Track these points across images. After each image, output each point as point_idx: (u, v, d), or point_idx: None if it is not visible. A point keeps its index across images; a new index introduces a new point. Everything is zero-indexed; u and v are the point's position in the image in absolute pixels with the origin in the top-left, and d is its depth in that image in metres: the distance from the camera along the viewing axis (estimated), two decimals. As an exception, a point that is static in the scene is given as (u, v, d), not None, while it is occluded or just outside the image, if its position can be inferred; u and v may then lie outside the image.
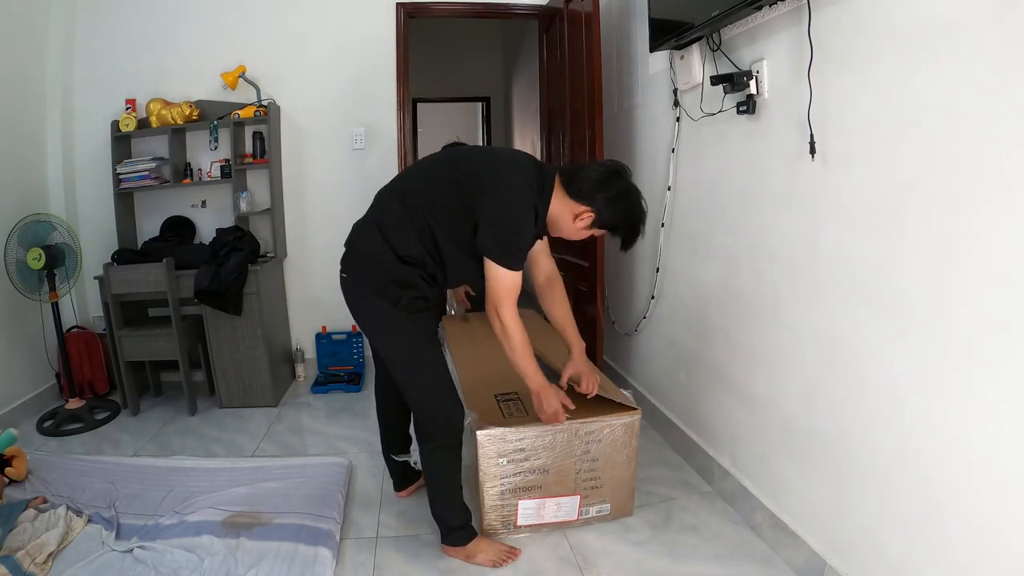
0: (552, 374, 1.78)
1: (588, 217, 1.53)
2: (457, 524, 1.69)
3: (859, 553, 1.41)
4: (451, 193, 1.52)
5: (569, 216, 1.54)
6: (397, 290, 1.53)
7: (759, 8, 1.60)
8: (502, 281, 1.47)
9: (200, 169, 3.19)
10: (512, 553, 1.70)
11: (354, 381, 3.18)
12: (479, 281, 1.54)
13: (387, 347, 1.63)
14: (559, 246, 3.20)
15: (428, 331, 1.63)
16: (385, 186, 1.70)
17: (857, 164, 1.36)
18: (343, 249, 1.71)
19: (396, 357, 1.61)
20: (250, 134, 3.17)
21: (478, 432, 1.70)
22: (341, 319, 3.35)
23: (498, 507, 1.76)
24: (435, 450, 1.65)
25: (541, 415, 1.66)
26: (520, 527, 1.80)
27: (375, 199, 1.68)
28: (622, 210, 1.53)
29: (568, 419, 1.70)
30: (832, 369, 1.48)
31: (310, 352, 3.41)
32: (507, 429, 1.71)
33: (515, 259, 1.48)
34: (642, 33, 2.37)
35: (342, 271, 1.67)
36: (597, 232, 1.59)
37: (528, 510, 1.78)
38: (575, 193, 1.53)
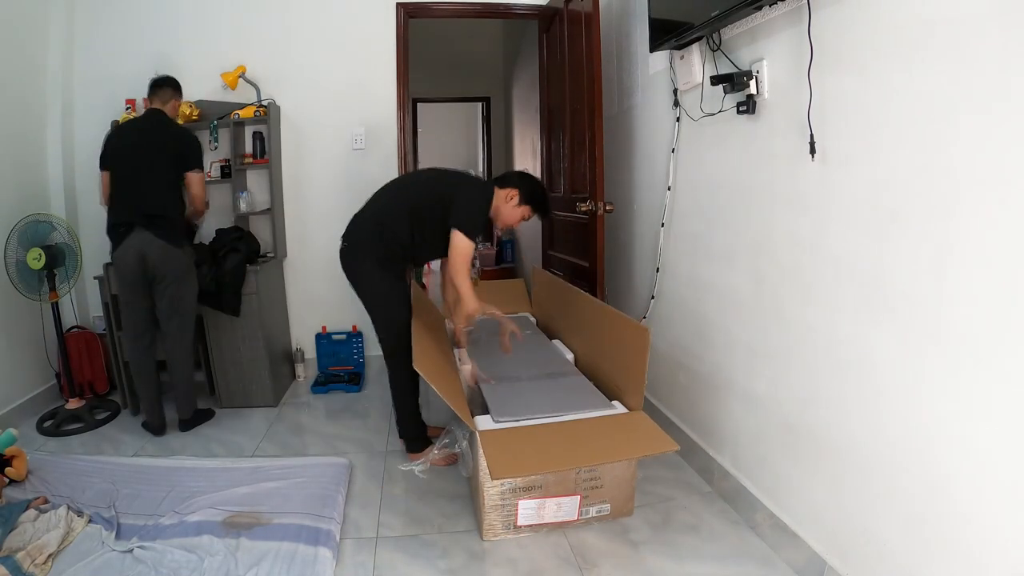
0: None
1: (515, 195, 2.19)
2: (417, 435, 2.29)
3: (859, 553, 1.41)
4: (438, 207, 2.11)
5: (503, 201, 2.20)
6: (387, 258, 2.19)
7: (759, 8, 1.60)
8: (465, 247, 2.05)
9: (200, 169, 3.18)
10: (452, 457, 2.15)
11: (354, 381, 3.18)
12: (444, 255, 2.12)
13: (374, 288, 2.20)
14: (561, 246, 3.21)
15: (404, 289, 2.25)
16: (388, 192, 2.27)
17: (857, 164, 1.36)
18: (344, 246, 2.24)
19: (378, 292, 2.19)
20: (250, 134, 3.17)
21: (480, 431, 1.71)
22: (341, 319, 3.36)
23: (498, 507, 1.76)
24: (397, 366, 2.19)
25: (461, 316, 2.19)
26: (520, 527, 1.80)
27: (379, 197, 2.26)
28: (533, 186, 2.25)
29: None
30: (832, 369, 1.48)
31: (310, 352, 3.41)
32: (509, 428, 1.71)
33: (476, 232, 2.07)
34: (642, 33, 2.37)
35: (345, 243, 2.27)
36: (525, 210, 2.21)
37: (528, 510, 1.78)
38: (503, 184, 2.23)
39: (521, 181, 2.23)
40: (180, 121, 3.00)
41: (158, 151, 2.46)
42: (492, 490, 1.75)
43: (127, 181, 2.46)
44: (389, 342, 2.21)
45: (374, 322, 2.23)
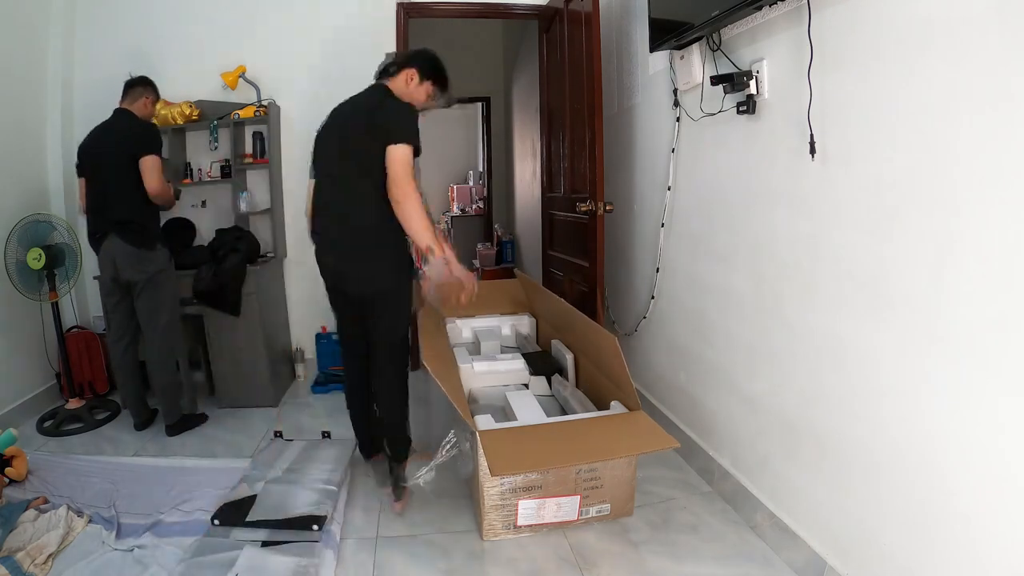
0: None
1: (415, 74, 1.96)
2: (410, 441, 2.12)
3: (859, 553, 1.41)
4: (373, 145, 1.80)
5: (404, 84, 1.95)
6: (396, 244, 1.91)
7: (759, 8, 1.60)
8: (409, 157, 1.79)
9: (200, 169, 3.19)
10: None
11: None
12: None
13: (399, 285, 1.95)
14: (561, 246, 3.21)
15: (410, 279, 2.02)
16: (334, 171, 1.93)
17: (857, 164, 1.36)
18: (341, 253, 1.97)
19: (403, 290, 1.95)
20: (250, 134, 3.17)
21: (480, 430, 1.72)
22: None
23: (498, 507, 1.76)
24: (402, 374, 2.01)
25: (450, 282, 1.85)
26: (520, 527, 1.80)
27: (334, 184, 1.94)
28: (429, 59, 2.00)
29: None
30: (832, 369, 1.48)
31: (310, 352, 3.41)
32: (509, 428, 1.72)
33: (418, 139, 1.83)
34: (642, 33, 2.37)
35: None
36: (427, 87, 1.98)
37: (528, 510, 1.78)
38: (397, 70, 1.97)
39: (415, 58, 1.99)
40: (180, 121, 3.01)
41: (120, 152, 2.43)
42: (492, 490, 1.75)
43: (96, 187, 2.49)
44: (402, 341, 1.99)
45: (387, 322, 1.95)
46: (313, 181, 2.00)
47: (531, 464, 1.66)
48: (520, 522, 1.79)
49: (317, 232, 2.00)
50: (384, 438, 2.10)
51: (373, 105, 1.87)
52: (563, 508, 1.80)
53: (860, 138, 1.34)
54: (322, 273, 2.04)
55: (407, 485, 1.98)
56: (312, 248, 2.05)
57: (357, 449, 2.28)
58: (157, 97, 2.69)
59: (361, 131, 1.83)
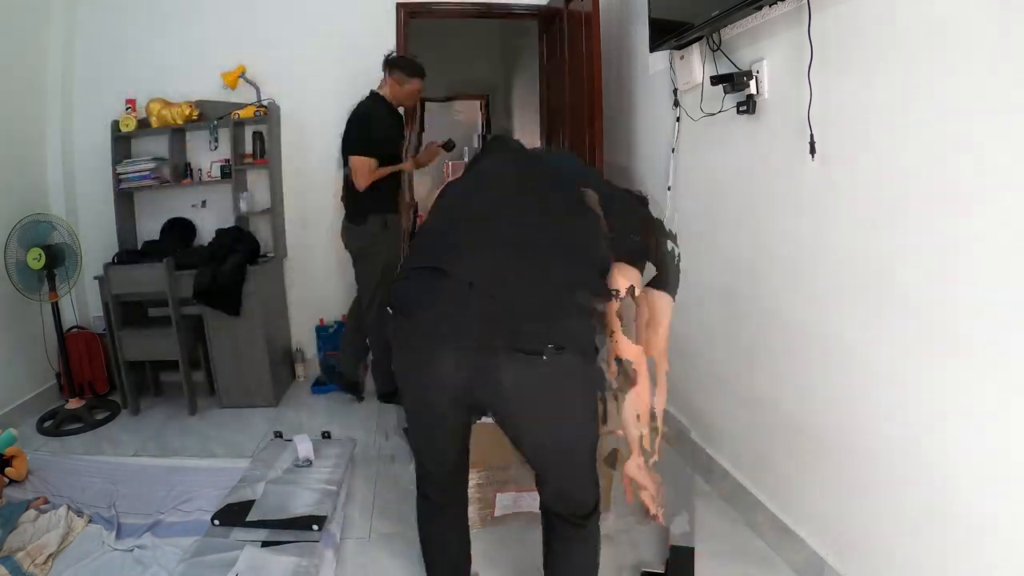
0: None
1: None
2: None
3: (859, 553, 1.41)
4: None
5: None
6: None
7: (759, 8, 1.60)
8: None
9: (200, 169, 3.19)
10: None
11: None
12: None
13: None
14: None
15: None
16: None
17: (857, 164, 1.36)
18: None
19: None
20: (250, 134, 3.17)
21: None
22: (340, 318, 3.36)
23: (476, 499, 1.80)
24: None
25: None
26: (497, 518, 1.85)
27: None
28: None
29: None
30: (832, 369, 1.48)
31: (310, 352, 3.41)
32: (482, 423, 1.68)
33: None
34: (642, 33, 2.37)
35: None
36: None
37: (505, 501, 1.83)
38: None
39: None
40: (180, 121, 3.01)
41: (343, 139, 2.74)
42: (471, 483, 1.77)
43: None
44: None
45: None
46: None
47: (499, 457, 1.69)
48: (497, 513, 1.83)
49: None
50: None
51: None
52: (537, 500, 1.82)
53: (860, 138, 1.34)
54: None
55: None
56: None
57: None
58: (406, 76, 2.70)
59: None
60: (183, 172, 3.14)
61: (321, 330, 3.36)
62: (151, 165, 3.00)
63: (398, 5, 3.20)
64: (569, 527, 1.29)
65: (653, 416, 1.28)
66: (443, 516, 1.42)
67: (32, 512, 1.82)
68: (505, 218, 1.19)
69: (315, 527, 1.73)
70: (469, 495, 1.57)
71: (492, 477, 1.79)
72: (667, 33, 2.02)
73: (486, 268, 1.10)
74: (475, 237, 1.17)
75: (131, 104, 3.03)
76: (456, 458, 1.33)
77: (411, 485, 2.05)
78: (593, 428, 1.20)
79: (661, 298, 1.32)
